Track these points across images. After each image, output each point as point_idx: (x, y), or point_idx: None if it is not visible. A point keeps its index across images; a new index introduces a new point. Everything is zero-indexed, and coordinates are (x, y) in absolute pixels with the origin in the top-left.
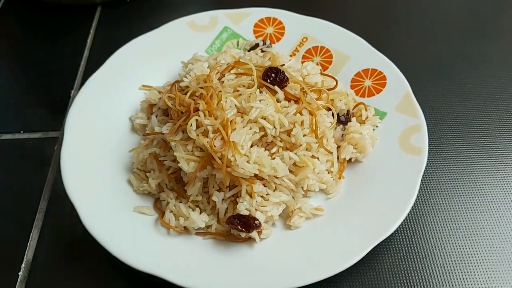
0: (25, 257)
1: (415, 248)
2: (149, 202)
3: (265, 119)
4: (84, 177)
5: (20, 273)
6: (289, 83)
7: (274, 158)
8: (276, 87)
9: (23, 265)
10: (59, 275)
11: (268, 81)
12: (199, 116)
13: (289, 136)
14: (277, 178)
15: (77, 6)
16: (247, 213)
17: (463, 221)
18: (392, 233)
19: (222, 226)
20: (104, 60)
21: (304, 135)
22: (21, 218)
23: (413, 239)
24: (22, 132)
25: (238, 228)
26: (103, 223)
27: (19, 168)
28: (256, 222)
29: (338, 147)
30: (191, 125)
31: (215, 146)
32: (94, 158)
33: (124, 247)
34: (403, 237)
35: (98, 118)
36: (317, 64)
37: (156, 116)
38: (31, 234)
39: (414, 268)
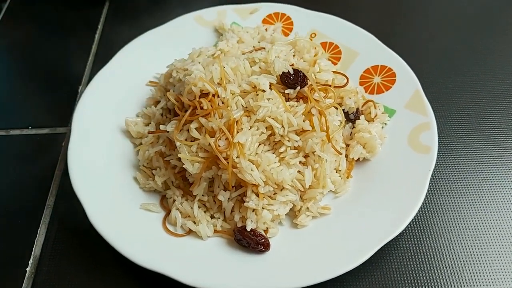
0: (32, 253)
1: (423, 248)
2: (156, 200)
3: (273, 118)
4: (91, 173)
5: (27, 269)
6: (308, 81)
7: (282, 159)
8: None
9: (30, 261)
10: (66, 271)
11: (288, 82)
12: (203, 116)
13: (297, 135)
14: None
15: (85, 1)
16: (254, 207)
17: (473, 220)
18: (400, 233)
19: (228, 224)
20: (111, 55)
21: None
22: (29, 214)
23: (422, 239)
24: (30, 127)
25: (250, 247)
26: (109, 219)
27: (27, 163)
28: (263, 240)
29: (347, 145)
30: (193, 126)
31: (219, 146)
32: (101, 154)
33: (130, 244)
34: (411, 236)
35: (105, 114)
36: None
37: (161, 115)
38: (38, 230)
39: (422, 268)
